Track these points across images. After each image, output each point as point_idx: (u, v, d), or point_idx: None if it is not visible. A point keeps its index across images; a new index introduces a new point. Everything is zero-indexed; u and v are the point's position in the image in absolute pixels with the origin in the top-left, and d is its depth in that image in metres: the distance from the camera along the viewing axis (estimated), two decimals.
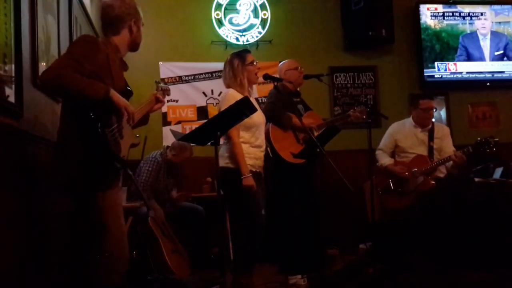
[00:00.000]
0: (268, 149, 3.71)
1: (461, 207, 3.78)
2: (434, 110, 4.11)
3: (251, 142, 2.99)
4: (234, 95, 2.94)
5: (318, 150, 2.99)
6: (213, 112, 4.84)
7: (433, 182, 3.82)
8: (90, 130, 1.86)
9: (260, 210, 2.94)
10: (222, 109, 2.89)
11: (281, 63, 4.15)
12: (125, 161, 2.03)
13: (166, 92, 2.59)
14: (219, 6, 5.10)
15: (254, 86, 3.46)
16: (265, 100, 4.45)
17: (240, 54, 3.10)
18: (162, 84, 2.56)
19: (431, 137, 3.96)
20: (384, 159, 4.10)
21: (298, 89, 4.09)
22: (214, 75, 4.97)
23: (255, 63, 3.12)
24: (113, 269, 1.99)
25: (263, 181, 3.10)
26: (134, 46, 2.26)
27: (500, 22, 5.59)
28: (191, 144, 3.91)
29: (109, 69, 2.03)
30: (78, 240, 2.07)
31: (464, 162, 3.73)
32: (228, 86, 3.07)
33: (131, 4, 2.20)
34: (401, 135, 4.10)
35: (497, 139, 3.65)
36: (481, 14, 5.53)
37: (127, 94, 2.19)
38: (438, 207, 3.76)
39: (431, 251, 3.71)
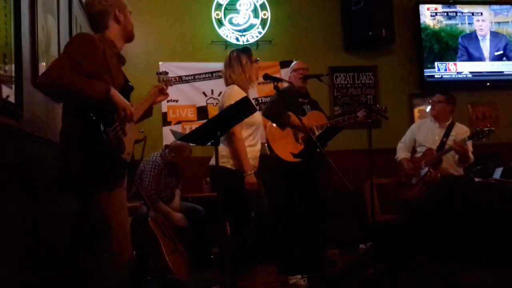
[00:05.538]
0: (266, 145, 3.71)
1: (463, 207, 3.78)
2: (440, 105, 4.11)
3: (249, 140, 2.98)
4: (238, 91, 2.94)
5: (318, 150, 2.98)
6: (213, 112, 4.84)
7: (438, 174, 3.84)
8: (92, 131, 1.84)
9: (251, 212, 2.91)
10: (227, 105, 2.87)
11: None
12: (128, 163, 1.99)
13: (169, 83, 2.57)
14: (219, 6, 5.10)
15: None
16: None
17: (246, 51, 3.08)
18: (163, 75, 2.54)
19: (446, 134, 4.00)
20: (400, 153, 4.22)
21: (307, 89, 4.11)
22: (214, 75, 4.97)
23: (258, 61, 3.12)
24: (116, 268, 1.98)
25: (259, 181, 3.09)
26: (127, 35, 2.21)
27: (499, 22, 5.59)
28: (190, 144, 3.90)
29: (107, 66, 2.01)
30: (82, 240, 2.07)
31: (465, 150, 3.76)
32: (232, 83, 3.03)
33: None
34: (420, 129, 4.20)
35: (492, 128, 3.73)
36: (480, 14, 5.53)
37: (128, 89, 2.17)
38: (446, 204, 3.78)
39: (432, 249, 3.71)
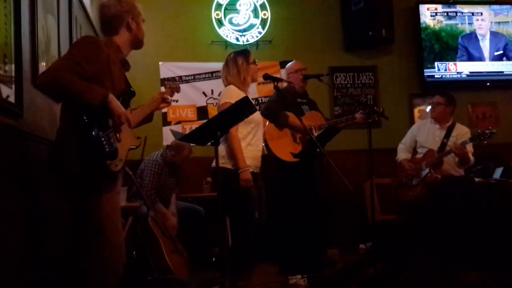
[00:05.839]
0: (263, 145, 3.72)
1: (463, 207, 3.78)
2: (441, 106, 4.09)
3: (249, 139, 2.99)
4: (235, 90, 2.96)
5: (318, 150, 2.99)
6: (213, 112, 4.84)
7: (439, 176, 3.83)
8: (84, 134, 1.84)
9: (254, 212, 2.92)
10: (222, 102, 2.89)
11: (287, 64, 4.19)
12: (115, 171, 1.95)
13: (175, 89, 2.59)
14: (219, 6, 5.10)
15: (254, 86, 3.46)
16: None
17: (244, 52, 3.12)
18: (171, 82, 2.54)
19: (447, 135, 4.00)
20: (401, 154, 4.21)
21: (306, 89, 4.10)
22: (214, 75, 4.97)
23: (256, 63, 3.14)
24: (108, 273, 1.97)
25: (260, 181, 3.09)
26: (136, 43, 2.21)
27: (499, 22, 5.59)
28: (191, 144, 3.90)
29: (109, 71, 2.01)
30: (73, 242, 2.06)
31: (464, 153, 3.75)
32: (228, 84, 3.07)
33: (127, 1, 2.16)
34: (421, 130, 4.19)
35: (494, 131, 3.72)
36: (480, 14, 5.54)
37: (130, 95, 2.17)
38: (446, 204, 3.78)
39: (432, 249, 3.71)
